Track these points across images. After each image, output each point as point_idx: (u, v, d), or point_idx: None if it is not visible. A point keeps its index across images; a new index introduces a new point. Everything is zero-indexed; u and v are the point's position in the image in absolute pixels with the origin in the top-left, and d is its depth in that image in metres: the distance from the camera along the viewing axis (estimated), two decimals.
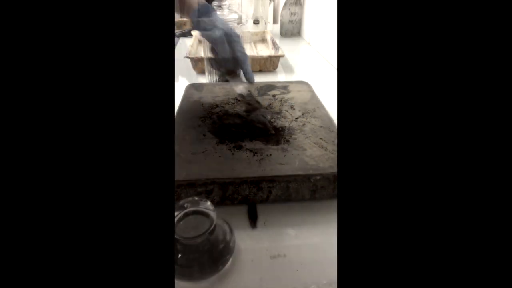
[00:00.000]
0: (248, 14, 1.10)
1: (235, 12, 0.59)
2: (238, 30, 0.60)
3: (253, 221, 0.36)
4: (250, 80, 0.55)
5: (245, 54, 0.53)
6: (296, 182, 0.36)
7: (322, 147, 0.41)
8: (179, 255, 0.28)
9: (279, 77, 0.79)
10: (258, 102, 0.53)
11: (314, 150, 0.40)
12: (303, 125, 0.46)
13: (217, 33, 0.51)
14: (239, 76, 0.57)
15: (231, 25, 0.54)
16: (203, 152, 0.40)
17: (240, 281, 0.29)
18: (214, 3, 0.56)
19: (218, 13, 0.61)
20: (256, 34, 1.03)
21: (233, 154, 0.39)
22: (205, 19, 0.52)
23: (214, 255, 0.29)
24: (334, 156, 0.39)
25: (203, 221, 0.28)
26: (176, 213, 0.28)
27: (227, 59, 0.53)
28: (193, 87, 0.59)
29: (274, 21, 1.31)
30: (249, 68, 0.54)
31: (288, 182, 0.36)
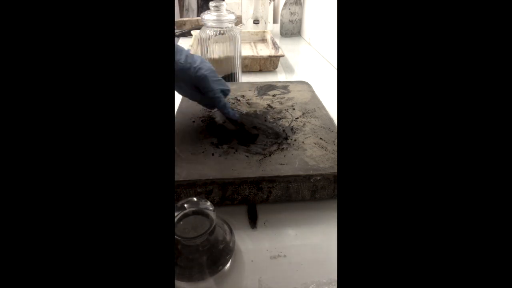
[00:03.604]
0: (248, 14, 1.10)
1: (232, 13, 0.58)
2: (236, 30, 0.60)
3: (253, 221, 0.36)
4: (234, 118, 0.46)
5: (218, 97, 0.43)
6: (296, 182, 0.36)
7: (322, 147, 0.41)
8: (179, 256, 0.28)
9: (279, 77, 0.79)
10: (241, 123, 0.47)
11: (314, 150, 0.40)
12: (303, 125, 0.46)
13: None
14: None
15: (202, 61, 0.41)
16: (203, 152, 0.40)
17: (240, 282, 0.29)
18: (212, 4, 0.56)
19: (214, 14, 0.55)
20: (256, 34, 1.03)
21: (233, 154, 0.39)
22: None
23: (214, 255, 0.28)
24: (334, 156, 0.39)
25: (203, 221, 0.28)
26: (176, 214, 0.28)
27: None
28: None
29: (274, 21, 1.31)
30: (228, 109, 0.44)
31: (288, 182, 0.36)
